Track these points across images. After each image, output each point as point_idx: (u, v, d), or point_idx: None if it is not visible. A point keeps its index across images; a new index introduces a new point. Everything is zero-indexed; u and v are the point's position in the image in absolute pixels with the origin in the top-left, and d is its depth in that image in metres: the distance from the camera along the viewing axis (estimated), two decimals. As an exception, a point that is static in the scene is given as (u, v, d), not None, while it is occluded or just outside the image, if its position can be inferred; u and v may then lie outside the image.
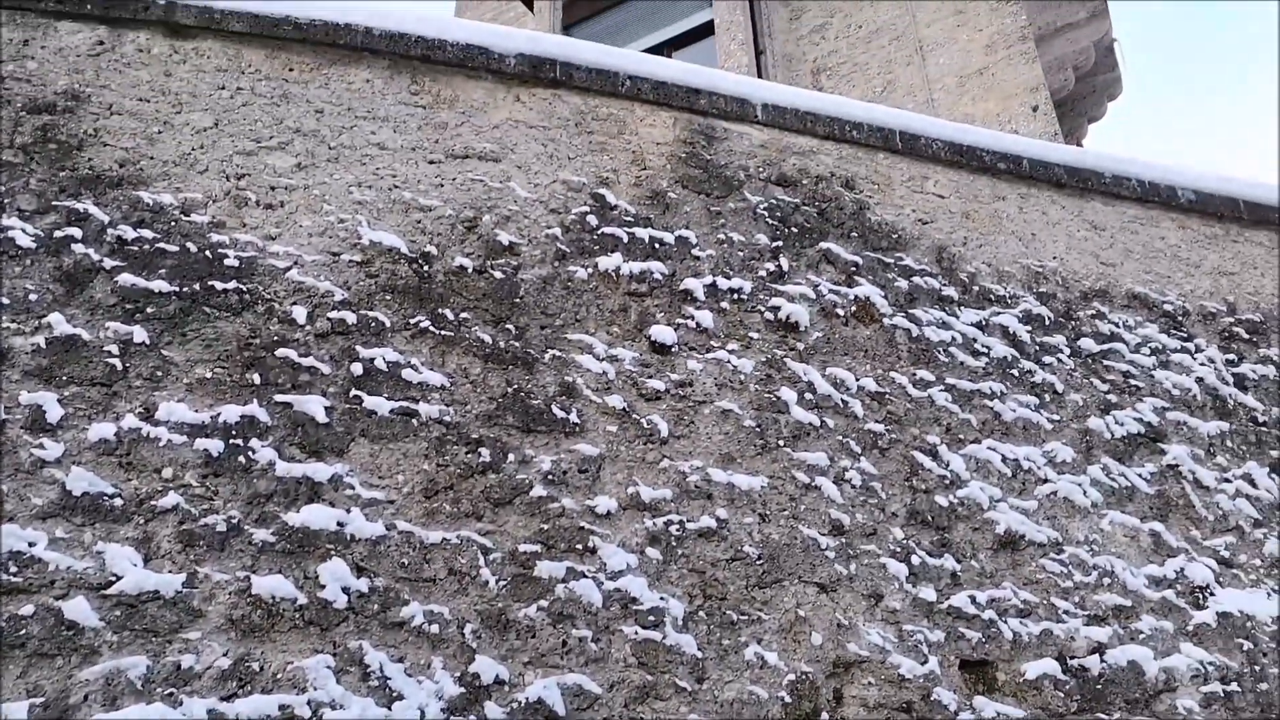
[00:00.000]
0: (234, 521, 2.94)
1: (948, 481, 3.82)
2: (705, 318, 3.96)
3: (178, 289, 3.34)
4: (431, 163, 4.00)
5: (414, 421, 3.33)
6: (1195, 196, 5.10)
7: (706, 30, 9.73)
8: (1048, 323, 4.48)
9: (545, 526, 3.24)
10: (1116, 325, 4.59)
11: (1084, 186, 5.01)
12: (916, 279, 4.40)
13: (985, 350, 4.27)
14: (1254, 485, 4.21)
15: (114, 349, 3.14)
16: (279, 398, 3.24)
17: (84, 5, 3.83)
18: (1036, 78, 8.87)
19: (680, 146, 4.46)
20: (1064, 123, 11.15)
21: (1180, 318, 4.73)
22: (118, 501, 2.87)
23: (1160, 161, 5.28)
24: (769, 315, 4.07)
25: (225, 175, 3.70)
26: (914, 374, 4.09)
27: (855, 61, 9.72)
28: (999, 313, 4.42)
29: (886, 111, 4.86)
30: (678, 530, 3.37)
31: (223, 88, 3.92)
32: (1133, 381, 4.41)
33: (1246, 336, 4.77)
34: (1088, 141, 12.61)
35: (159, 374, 3.16)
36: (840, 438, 3.81)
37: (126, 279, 3.30)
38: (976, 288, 4.49)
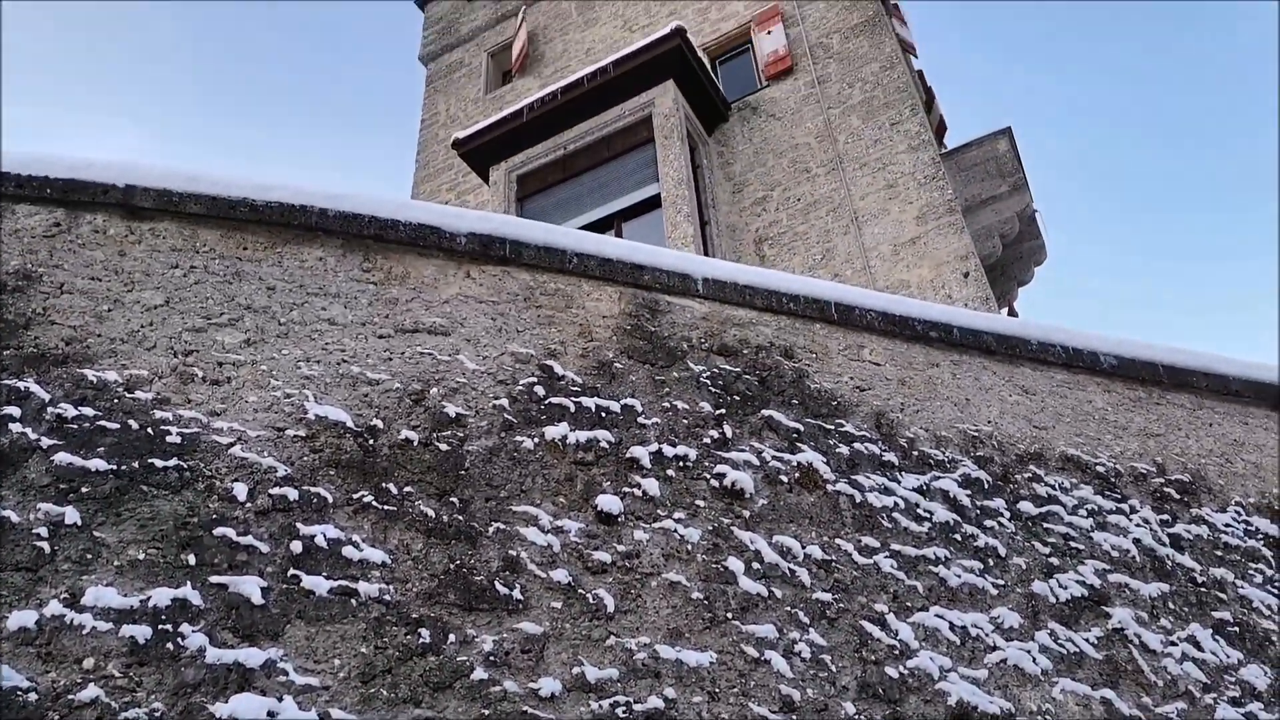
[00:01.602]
0: (156, 715, 2.80)
1: (897, 651, 3.78)
2: (651, 486, 3.98)
3: (115, 467, 3.30)
4: (381, 337, 4.08)
5: (353, 601, 3.25)
6: (1117, 361, 5.36)
7: (654, 203, 10.21)
8: (986, 486, 4.58)
9: (486, 712, 3.12)
10: (1053, 487, 4.70)
11: (1013, 353, 5.24)
12: (857, 445, 4.50)
13: (928, 515, 4.33)
14: (1199, 648, 4.23)
15: (43, 531, 3.06)
16: (214, 579, 3.16)
17: (44, 189, 3.95)
18: (966, 246, 9.39)
19: (625, 319, 4.61)
20: (995, 287, 11.75)
21: (1113, 479, 4.87)
22: (32, 696, 2.72)
23: (1083, 329, 5.57)
24: (714, 483, 4.11)
25: (173, 352, 3.73)
26: (859, 540, 4.12)
27: (795, 231, 10.22)
28: (939, 477, 4.51)
29: (821, 284, 5.11)
30: (624, 712, 3.27)
31: (176, 266, 4.00)
32: (1073, 544, 4.48)
33: (1178, 497, 4.90)
34: (1019, 304, 13.24)
35: (88, 556, 3.08)
36: (788, 608, 3.78)
37: (63, 458, 3.26)
38: (916, 452, 4.60)
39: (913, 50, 13.66)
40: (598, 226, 10.41)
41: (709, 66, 12.17)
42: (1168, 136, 46.63)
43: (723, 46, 12.70)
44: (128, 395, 3.53)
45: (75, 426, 3.36)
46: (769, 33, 12.03)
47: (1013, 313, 13.37)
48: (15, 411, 3.32)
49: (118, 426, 3.42)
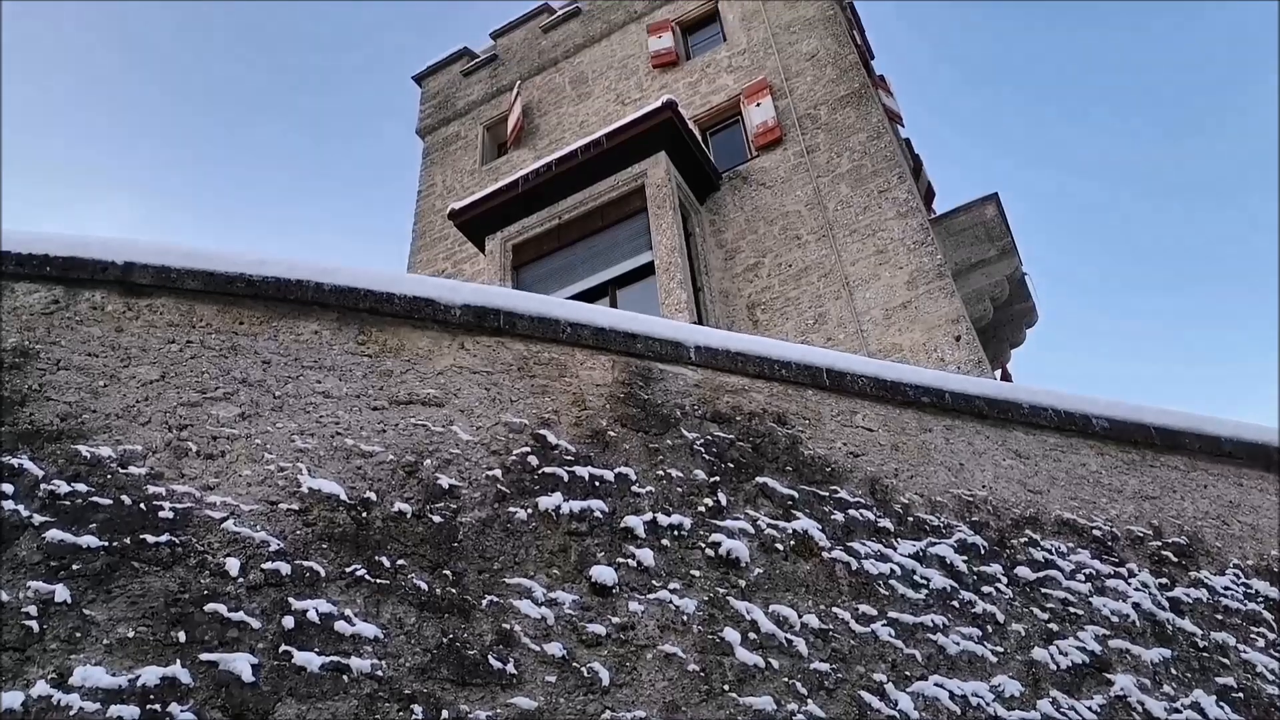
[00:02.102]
0: (142, 799, 2.74)
1: (897, 723, 3.72)
2: (646, 556, 3.97)
3: (107, 544, 3.29)
4: (375, 409, 4.11)
5: (345, 678, 3.20)
6: (1109, 424, 5.38)
7: (648, 270, 10.34)
8: (983, 551, 4.56)
9: (479, 791, 3.06)
10: (1050, 552, 4.68)
11: (1005, 417, 5.26)
12: (852, 511, 4.49)
13: (925, 582, 4.30)
14: (1204, 715, 4.17)
15: (33, 610, 3.04)
16: (204, 656, 3.12)
17: (44, 268, 4.01)
18: (957, 310, 9.47)
19: (619, 387, 4.64)
20: (988, 349, 11.83)
21: (1110, 543, 4.85)
22: (16, 781, 2.67)
23: (1074, 392, 5.61)
24: (710, 552, 4.10)
25: (168, 426, 3.74)
26: (856, 609, 4.09)
27: (788, 297, 10.33)
28: (935, 543, 4.50)
29: (812, 350, 5.16)
30: (620, 789, 3.20)
31: (173, 341, 4.04)
32: (1072, 609, 4.45)
33: (1175, 560, 4.88)
34: (1012, 366, 13.31)
35: (77, 635, 3.05)
36: (786, 679, 3.73)
37: (54, 535, 3.25)
38: (911, 518, 4.59)
39: (899, 120, 13.99)
40: (592, 294, 10.53)
41: (700, 138, 12.44)
42: (1158, 191, 47.48)
43: (713, 118, 13.00)
44: (121, 471, 3.53)
45: (68, 503, 3.36)
46: (758, 105, 12.33)
47: (1006, 375, 13.44)
48: (8, 489, 3.31)
49: (110, 502, 3.41)
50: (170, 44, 49.55)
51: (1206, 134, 45.30)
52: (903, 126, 14.36)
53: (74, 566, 3.19)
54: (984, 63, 50.92)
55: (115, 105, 49.87)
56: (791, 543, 4.25)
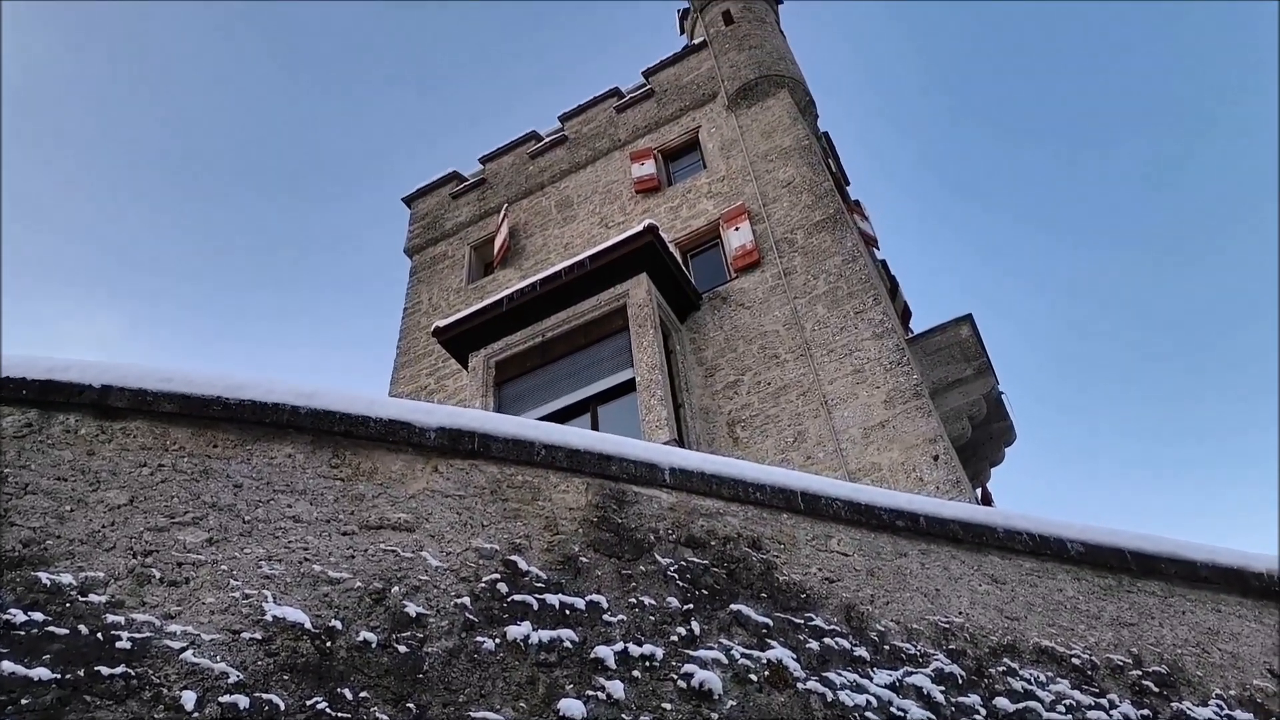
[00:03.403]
0: None
1: None
2: (616, 688, 3.88)
3: (60, 676, 3.20)
4: (345, 534, 4.07)
5: (298, 821, 3.08)
6: (1084, 549, 5.37)
7: (629, 387, 10.43)
8: (961, 681, 4.48)
9: None
10: (1029, 681, 4.60)
11: (980, 541, 5.26)
12: (828, 640, 4.43)
13: (901, 714, 4.21)
14: None
15: (-24, 748, 2.94)
16: (152, 798, 3.01)
17: (20, 391, 4.03)
18: (934, 429, 9.55)
19: (592, 511, 4.63)
20: (967, 467, 11.87)
21: (1089, 671, 4.78)
22: None
23: (1056, 511, 5.63)
24: (682, 683, 4.01)
25: (132, 552, 3.70)
26: (832, 743, 3.99)
27: (767, 414, 10.40)
28: (911, 672, 4.42)
29: (787, 474, 5.18)
30: None
31: (144, 465, 4.04)
32: (1053, 743, 4.34)
33: (1157, 690, 4.80)
34: (992, 485, 13.33)
35: (21, 775, 2.93)
36: (759, 820, 3.60)
37: (6, 666, 3.16)
38: (887, 646, 4.52)
39: (874, 243, 14.42)
40: (574, 410, 10.58)
41: (681, 259, 12.76)
42: (1137, 310, 48.56)
43: (693, 241, 13.37)
44: (80, 599, 3.47)
45: (23, 633, 3.29)
46: (736, 229, 12.70)
47: (987, 493, 13.44)
48: (-37, 618, 3.25)
49: (67, 632, 3.34)
50: (158, 157, 50.91)
51: (1198, 264, 46.72)
52: (878, 249, 14.79)
53: (23, 701, 3.10)
54: (964, 178, 52.82)
55: (101, 215, 50.79)
56: (766, 673, 4.17)
